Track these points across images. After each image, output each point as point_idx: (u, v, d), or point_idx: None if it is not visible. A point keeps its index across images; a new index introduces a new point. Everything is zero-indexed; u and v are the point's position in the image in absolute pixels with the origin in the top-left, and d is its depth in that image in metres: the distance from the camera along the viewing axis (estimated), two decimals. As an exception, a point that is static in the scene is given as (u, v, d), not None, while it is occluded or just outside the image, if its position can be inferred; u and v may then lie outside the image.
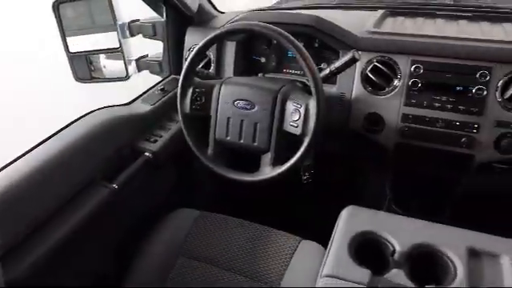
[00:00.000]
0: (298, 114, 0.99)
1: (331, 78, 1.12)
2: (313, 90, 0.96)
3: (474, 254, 0.86)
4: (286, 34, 0.98)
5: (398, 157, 1.21)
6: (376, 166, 1.37)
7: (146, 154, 1.23)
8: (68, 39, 1.36)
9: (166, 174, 1.43)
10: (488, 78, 1.06)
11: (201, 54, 1.09)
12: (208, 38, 1.05)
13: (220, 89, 1.09)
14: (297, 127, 1.00)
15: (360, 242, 0.90)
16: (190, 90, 1.11)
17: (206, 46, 1.08)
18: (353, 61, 1.04)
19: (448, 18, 1.36)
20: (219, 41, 1.10)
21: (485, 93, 1.07)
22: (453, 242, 0.87)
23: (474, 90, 1.07)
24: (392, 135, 1.17)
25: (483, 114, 1.08)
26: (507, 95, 1.05)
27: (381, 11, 1.38)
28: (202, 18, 1.45)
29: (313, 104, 0.97)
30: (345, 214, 0.97)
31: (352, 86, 1.19)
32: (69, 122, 1.14)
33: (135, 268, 1.13)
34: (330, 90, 1.22)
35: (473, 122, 1.09)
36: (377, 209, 1.39)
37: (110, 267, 1.20)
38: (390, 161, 1.25)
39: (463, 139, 1.10)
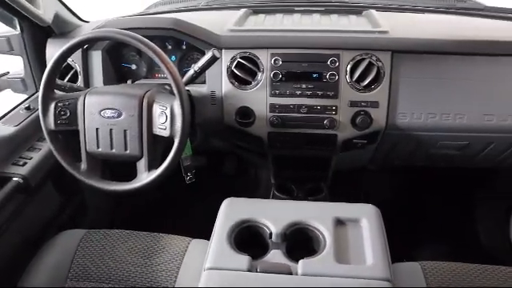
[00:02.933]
0: (165, 117, 1.00)
1: (198, 78, 1.15)
2: (175, 90, 0.98)
3: (339, 223, 0.95)
4: (142, 38, 0.98)
5: (272, 145, 1.28)
6: (258, 157, 1.44)
7: (15, 178, 1.14)
8: None
9: (45, 197, 1.34)
10: (337, 63, 1.17)
11: (58, 66, 1.05)
12: (61, 50, 1.01)
13: (84, 100, 1.05)
14: (165, 129, 1.01)
15: (239, 231, 0.94)
16: (53, 105, 1.06)
17: (62, 58, 1.04)
18: (213, 59, 1.08)
19: (304, 12, 1.47)
20: (74, 51, 1.06)
21: (337, 77, 1.18)
22: (321, 216, 0.95)
23: (327, 76, 1.18)
24: (263, 125, 1.24)
25: (338, 96, 1.19)
26: (355, 77, 1.18)
27: (244, 10, 1.45)
28: (63, 29, 1.38)
29: (177, 105, 0.98)
30: (224, 206, 1.00)
31: (221, 83, 1.23)
32: None
33: None
34: (201, 89, 1.25)
35: (331, 105, 1.20)
36: (265, 197, 1.46)
37: None
38: (267, 150, 1.31)
39: (325, 121, 1.20)
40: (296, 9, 1.50)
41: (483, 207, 1.77)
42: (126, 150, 1.05)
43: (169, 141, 1.03)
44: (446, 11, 1.49)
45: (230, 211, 0.98)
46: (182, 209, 1.72)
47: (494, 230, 1.69)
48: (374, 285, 0.81)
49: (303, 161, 1.38)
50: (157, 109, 1.02)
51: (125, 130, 1.04)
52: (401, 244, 1.49)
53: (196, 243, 1.15)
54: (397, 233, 1.49)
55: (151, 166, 1.05)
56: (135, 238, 1.16)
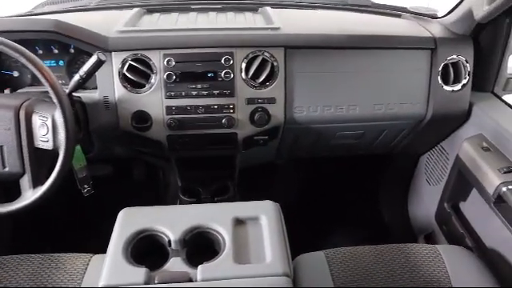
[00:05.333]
0: (46, 128, 0.93)
1: (88, 83, 1.08)
2: (54, 99, 0.90)
3: (238, 222, 0.94)
4: (8, 41, 0.89)
5: (173, 148, 1.25)
6: (163, 161, 1.39)
7: None
8: None
9: None
10: (231, 61, 1.17)
11: None
12: None
13: None
14: (48, 141, 0.94)
15: (137, 242, 0.90)
16: None
17: None
18: (99, 62, 1.01)
19: (200, 11, 1.45)
20: None
21: (232, 75, 1.17)
22: (220, 217, 0.94)
23: (222, 75, 1.17)
24: (161, 129, 1.20)
25: (235, 94, 1.19)
26: (250, 74, 1.18)
27: (137, 9, 1.39)
28: None
29: (58, 114, 0.91)
30: (119, 217, 0.95)
31: (113, 87, 1.16)
32: None
33: None
34: (93, 95, 1.17)
35: (228, 104, 1.19)
36: (176, 201, 1.41)
37: None
38: (168, 153, 1.28)
39: (223, 120, 1.19)
40: (192, 7, 1.47)
41: (384, 191, 1.89)
42: (4, 167, 0.96)
43: (54, 153, 0.96)
44: (337, 7, 1.56)
45: (126, 222, 0.93)
46: (87, 223, 1.62)
47: (395, 211, 1.81)
48: (273, 281, 0.82)
49: (207, 161, 1.37)
50: (37, 120, 0.94)
51: (1, 146, 0.94)
52: (309, 235, 1.55)
53: (97, 259, 1.08)
54: (305, 224, 1.55)
55: (36, 183, 0.97)
56: (29, 262, 1.06)
